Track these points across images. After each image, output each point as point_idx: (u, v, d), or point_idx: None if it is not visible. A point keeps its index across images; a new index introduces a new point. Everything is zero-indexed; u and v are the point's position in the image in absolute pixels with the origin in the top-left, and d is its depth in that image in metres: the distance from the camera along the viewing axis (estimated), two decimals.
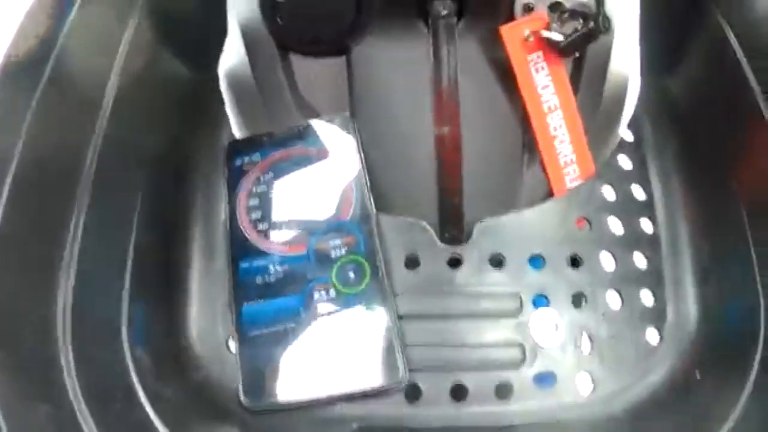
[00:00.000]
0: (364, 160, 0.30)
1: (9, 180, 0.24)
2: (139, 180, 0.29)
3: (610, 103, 0.32)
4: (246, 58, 0.31)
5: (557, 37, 0.29)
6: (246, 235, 0.29)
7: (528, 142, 0.31)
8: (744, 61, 0.30)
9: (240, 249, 0.29)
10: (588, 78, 0.32)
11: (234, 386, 0.28)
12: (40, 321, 0.24)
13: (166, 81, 0.32)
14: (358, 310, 0.27)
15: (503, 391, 0.28)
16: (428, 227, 0.29)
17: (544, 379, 0.29)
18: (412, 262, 0.29)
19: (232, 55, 0.32)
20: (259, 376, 0.27)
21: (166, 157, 0.30)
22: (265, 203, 0.29)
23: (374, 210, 0.29)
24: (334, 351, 0.27)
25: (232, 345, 0.29)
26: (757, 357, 0.27)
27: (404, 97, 0.30)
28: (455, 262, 0.29)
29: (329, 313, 0.27)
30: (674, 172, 0.33)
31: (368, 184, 0.29)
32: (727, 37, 0.31)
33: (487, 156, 0.30)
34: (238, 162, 0.30)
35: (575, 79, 0.32)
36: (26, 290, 0.24)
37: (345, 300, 0.27)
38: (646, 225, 0.32)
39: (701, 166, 0.32)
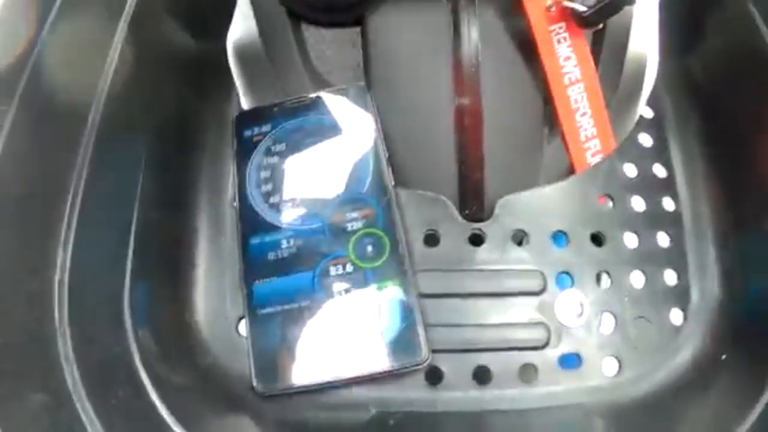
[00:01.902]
0: (381, 132, 0.28)
1: (2, 143, 0.22)
2: (142, 152, 0.27)
3: (630, 80, 0.32)
4: (255, 29, 0.30)
5: (580, 7, 0.28)
6: (257, 209, 0.27)
7: (549, 116, 0.30)
8: (767, 35, 0.29)
9: (250, 224, 0.27)
10: (607, 54, 0.31)
11: (244, 371, 0.26)
12: (33, 297, 0.22)
13: (172, 52, 0.30)
14: (378, 286, 0.26)
15: (527, 374, 0.27)
16: (449, 202, 0.28)
17: (569, 361, 0.28)
18: (431, 239, 0.28)
19: (241, 26, 0.30)
20: (272, 359, 0.26)
21: (171, 130, 0.29)
22: (276, 175, 0.28)
23: (392, 182, 0.27)
24: (351, 330, 0.25)
25: (242, 328, 0.27)
26: None
27: (422, 67, 0.29)
28: (477, 239, 0.28)
29: (346, 290, 0.26)
30: (696, 150, 0.32)
31: (386, 155, 0.28)
32: (749, 12, 0.30)
33: (508, 129, 0.29)
34: (247, 133, 0.29)
35: (595, 54, 0.31)
36: (18, 263, 0.22)
37: (363, 275, 0.26)
38: (668, 203, 0.31)
39: (723, 143, 0.31)
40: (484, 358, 0.27)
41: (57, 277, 0.23)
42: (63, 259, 0.23)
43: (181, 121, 0.29)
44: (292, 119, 0.29)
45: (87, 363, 0.22)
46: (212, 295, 0.28)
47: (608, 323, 0.29)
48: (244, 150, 0.29)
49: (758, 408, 0.25)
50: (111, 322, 0.24)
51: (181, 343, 0.27)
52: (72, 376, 0.22)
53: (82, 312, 0.23)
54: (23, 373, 0.21)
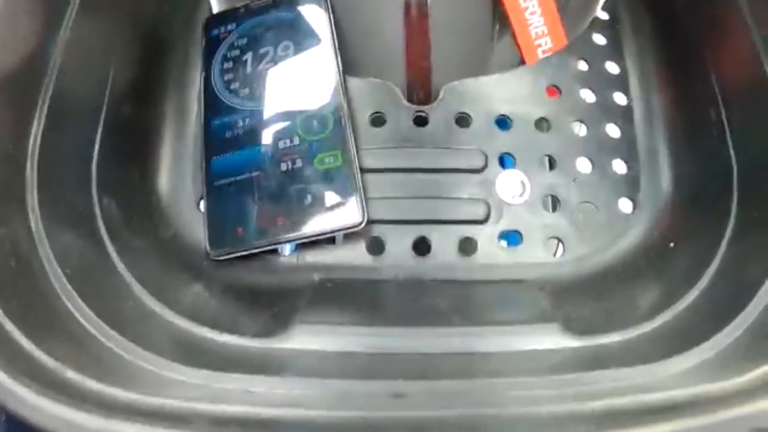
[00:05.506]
0: (334, 26, 0.30)
1: None
2: (115, 46, 0.29)
3: None
4: None
5: None
6: (218, 94, 0.30)
7: (499, 15, 0.32)
8: None
9: (212, 107, 0.30)
10: None
11: (202, 244, 0.29)
12: (10, 156, 0.25)
13: None
14: (321, 156, 0.28)
15: (467, 247, 0.28)
16: (394, 87, 0.29)
17: (510, 237, 0.29)
18: (378, 120, 0.29)
19: None
20: (224, 224, 0.28)
21: (143, 33, 0.31)
22: (237, 66, 0.30)
23: (341, 69, 0.29)
24: (295, 197, 0.27)
25: (203, 206, 0.29)
26: (730, 223, 0.26)
27: None
28: (421, 120, 0.29)
29: (292, 160, 0.28)
30: (648, 50, 0.32)
31: (336, 45, 0.30)
32: None
33: (456, 24, 0.30)
34: (215, 32, 0.32)
35: None
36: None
37: (308, 146, 0.28)
38: (619, 97, 0.31)
39: (676, 44, 0.32)
40: (424, 230, 0.28)
41: (30, 143, 0.25)
42: (36, 128, 0.26)
43: (154, 26, 0.32)
44: (254, 17, 0.31)
45: (51, 214, 0.25)
46: (175, 175, 0.30)
47: (553, 205, 0.29)
48: (211, 46, 0.31)
49: (694, 292, 0.25)
50: (77, 185, 0.27)
51: (145, 215, 0.29)
52: (36, 223, 0.24)
53: (50, 172, 0.25)
54: None
